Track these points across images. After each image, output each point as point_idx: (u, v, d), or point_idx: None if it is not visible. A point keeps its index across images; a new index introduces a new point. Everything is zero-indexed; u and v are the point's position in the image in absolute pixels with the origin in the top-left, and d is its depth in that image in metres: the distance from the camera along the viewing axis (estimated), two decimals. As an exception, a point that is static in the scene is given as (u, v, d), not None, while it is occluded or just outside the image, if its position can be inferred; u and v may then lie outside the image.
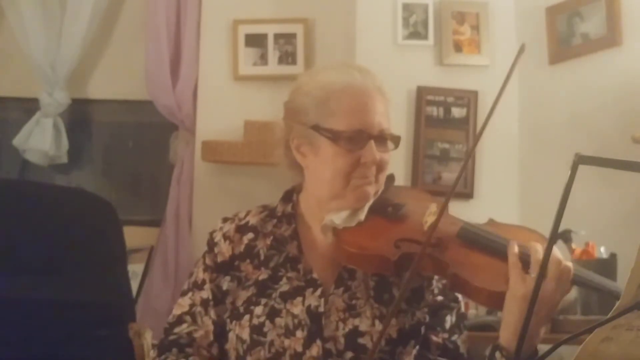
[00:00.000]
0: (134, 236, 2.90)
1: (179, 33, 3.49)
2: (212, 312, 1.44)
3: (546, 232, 0.99)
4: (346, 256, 1.39)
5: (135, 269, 2.99)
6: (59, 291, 2.20)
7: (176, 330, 1.45)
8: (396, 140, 1.45)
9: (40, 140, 3.45)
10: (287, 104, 1.50)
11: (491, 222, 1.45)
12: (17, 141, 3.47)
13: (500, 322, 1.25)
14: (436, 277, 1.44)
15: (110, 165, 3.79)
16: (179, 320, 1.46)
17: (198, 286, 1.47)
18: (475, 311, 2.65)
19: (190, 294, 1.48)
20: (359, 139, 1.40)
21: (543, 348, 1.25)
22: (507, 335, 1.24)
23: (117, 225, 2.40)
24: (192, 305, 1.46)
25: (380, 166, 1.42)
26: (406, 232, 1.39)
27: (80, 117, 3.70)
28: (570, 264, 1.25)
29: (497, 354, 1.25)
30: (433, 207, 1.41)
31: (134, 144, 3.78)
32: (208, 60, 3.48)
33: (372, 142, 1.40)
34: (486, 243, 1.35)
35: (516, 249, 1.26)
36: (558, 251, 1.24)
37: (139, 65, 3.49)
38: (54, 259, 2.23)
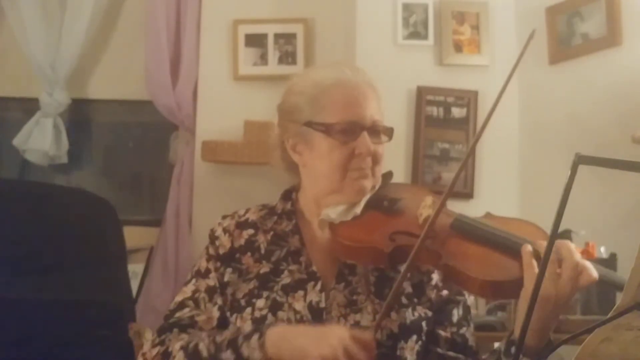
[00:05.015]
0: (134, 236, 2.90)
1: (179, 33, 3.49)
2: (218, 300, 1.44)
3: (546, 232, 0.99)
4: (341, 249, 1.40)
5: (135, 269, 2.99)
6: (59, 291, 2.20)
7: (178, 314, 1.44)
8: (389, 132, 1.46)
9: (40, 140, 3.45)
10: (279, 105, 1.52)
11: (488, 215, 1.45)
12: (17, 141, 3.48)
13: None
14: (437, 272, 1.44)
15: (110, 165, 3.79)
16: (181, 305, 1.45)
17: (202, 275, 1.47)
18: (475, 311, 2.64)
19: (193, 281, 1.47)
20: (352, 130, 1.41)
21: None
22: None
23: (117, 225, 2.41)
24: (195, 292, 1.46)
25: (375, 158, 1.44)
26: (401, 225, 1.40)
27: (80, 117, 3.71)
28: (590, 271, 1.20)
29: (514, 349, 1.25)
30: (428, 200, 1.41)
31: (134, 144, 3.78)
32: (208, 60, 3.48)
33: (365, 132, 1.42)
34: (480, 234, 1.35)
35: (530, 248, 1.24)
36: (576, 252, 1.21)
37: (139, 65, 3.49)
38: (54, 259, 2.24)
